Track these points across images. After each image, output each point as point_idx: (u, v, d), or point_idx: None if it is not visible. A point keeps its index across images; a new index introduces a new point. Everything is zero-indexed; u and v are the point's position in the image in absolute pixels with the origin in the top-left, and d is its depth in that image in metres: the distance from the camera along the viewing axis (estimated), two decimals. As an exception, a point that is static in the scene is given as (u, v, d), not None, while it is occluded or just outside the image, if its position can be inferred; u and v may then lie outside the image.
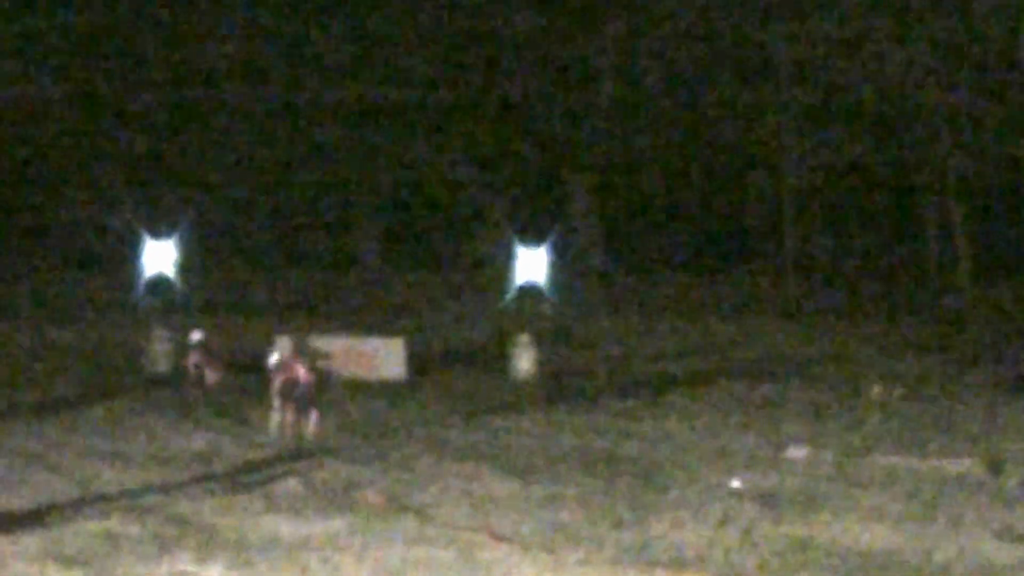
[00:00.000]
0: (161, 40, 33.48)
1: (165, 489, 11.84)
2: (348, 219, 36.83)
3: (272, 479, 12.45)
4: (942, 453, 14.18)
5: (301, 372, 15.29)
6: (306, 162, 35.22)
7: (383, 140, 34.75)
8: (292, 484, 12.21)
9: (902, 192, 35.88)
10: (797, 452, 14.20)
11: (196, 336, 18.02)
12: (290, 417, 15.22)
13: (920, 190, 35.18)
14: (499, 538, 10.13)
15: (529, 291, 22.99)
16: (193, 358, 17.99)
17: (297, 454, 13.82)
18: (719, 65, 32.25)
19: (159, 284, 22.02)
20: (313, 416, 15.10)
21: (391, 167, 35.54)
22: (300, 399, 15.18)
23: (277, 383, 15.37)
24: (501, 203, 34.46)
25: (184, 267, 22.51)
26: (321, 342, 21.09)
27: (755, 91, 32.63)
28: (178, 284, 22.31)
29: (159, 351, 20.80)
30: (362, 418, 16.82)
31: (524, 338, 21.46)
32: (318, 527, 10.48)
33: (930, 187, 34.44)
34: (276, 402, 15.37)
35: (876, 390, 19.37)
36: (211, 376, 17.92)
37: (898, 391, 19.36)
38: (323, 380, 15.88)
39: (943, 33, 29.69)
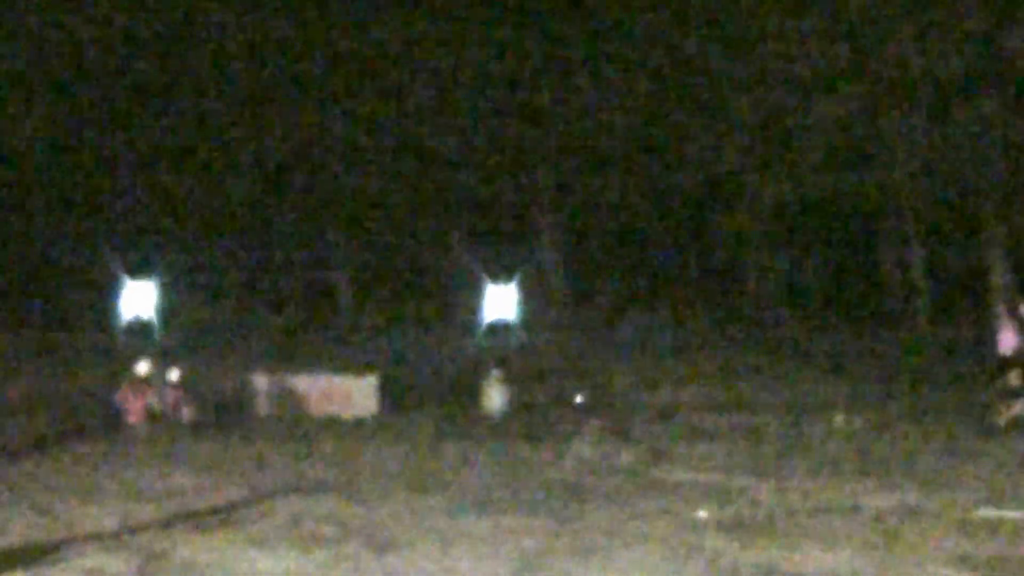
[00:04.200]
0: (144, 78, 33.54)
1: (146, 526, 12.02)
2: (321, 258, 37.05)
3: (250, 515, 12.66)
4: (903, 482, 14.52)
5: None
6: (280, 201, 35.43)
7: (356, 180, 35.03)
8: (269, 520, 12.42)
9: (859, 224, 36.35)
10: (762, 481, 14.50)
11: (173, 375, 18.29)
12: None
13: (877, 222, 35.66)
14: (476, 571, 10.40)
15: (499, 327, 23.30)
16: (170, 396, 18.24)
17: (273, 491, 14.03)
18: (679, 103, 32.63)
19: (137, 325, 22.22)
20: None
21: (364, 207, 35.80)
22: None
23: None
24: (469, 241, 34.78)
25: (162, 308, 22.71)
26: (296, 380, 21.45)
27: (713, 127, 33.01)
28: (156, 325, 22.51)
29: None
30: (335, 455, 17.05)
31: (495, 374, 21.75)
32: (295, 563, 10.69)
33: (887, 219, 34.92)
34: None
35: (839, 419, 19.71)
36: (188, 414, 18.17)
37: (860, 421, 19.69)
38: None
39: (898, 65, 30.12)
